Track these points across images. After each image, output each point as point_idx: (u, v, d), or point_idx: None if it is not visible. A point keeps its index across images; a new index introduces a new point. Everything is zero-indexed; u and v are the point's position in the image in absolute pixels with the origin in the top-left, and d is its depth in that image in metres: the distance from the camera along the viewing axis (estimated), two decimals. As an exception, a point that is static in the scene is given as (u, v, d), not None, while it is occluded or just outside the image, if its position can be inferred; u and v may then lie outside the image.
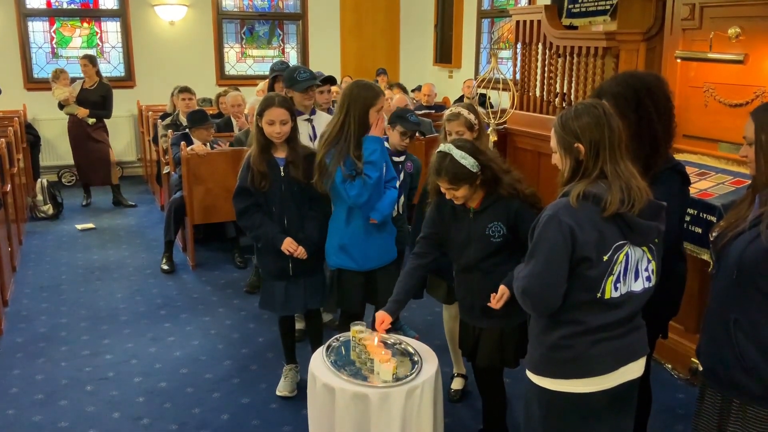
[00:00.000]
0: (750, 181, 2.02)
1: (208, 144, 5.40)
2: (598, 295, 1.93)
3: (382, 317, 2.73)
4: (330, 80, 4.37)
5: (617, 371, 2.00)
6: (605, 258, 1.91)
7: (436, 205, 2.76)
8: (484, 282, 2.61)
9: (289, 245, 3.19)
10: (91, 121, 7.09)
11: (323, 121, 4.01)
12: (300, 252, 3.21)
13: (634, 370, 2.06)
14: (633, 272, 1.97)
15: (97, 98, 7.08)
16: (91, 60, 7.07)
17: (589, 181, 1.94)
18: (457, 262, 2.76)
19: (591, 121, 1.95)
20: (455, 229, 2.70)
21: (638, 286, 1.98)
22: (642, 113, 2.34)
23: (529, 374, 2.09)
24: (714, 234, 1.98)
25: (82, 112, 7.04)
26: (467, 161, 2.51)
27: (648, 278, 2.01)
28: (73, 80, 7.32)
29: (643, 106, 2.35)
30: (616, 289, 1.94)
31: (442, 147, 2.60)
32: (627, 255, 1.94)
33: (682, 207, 2.51)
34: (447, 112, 3.20)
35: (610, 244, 1.92)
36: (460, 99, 7.95)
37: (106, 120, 7.31)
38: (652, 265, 2.02)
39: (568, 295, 1.94)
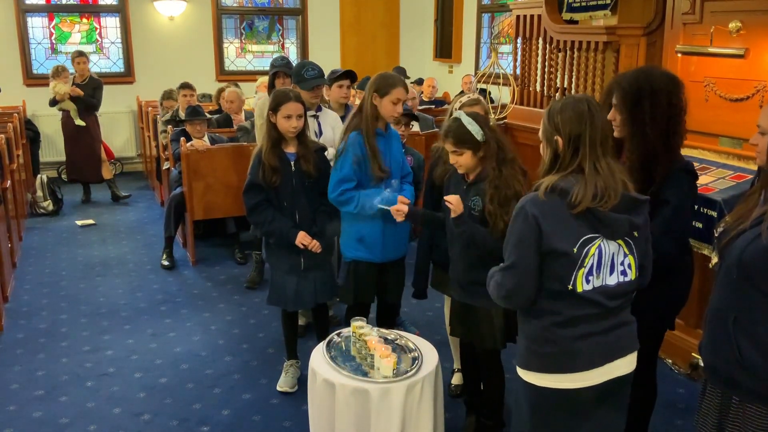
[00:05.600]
0: (751, 176, 2.00)
1: (207, 138, 5.38)
2: (570, 287, 1.93)
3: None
4: (348, 75, 4.21)
5: (603, 367, 2.00)
6: (574, 250, 1.92)
7: (454, 170, 2.82)
8: (464, 255, 2.70)
9: (303, 239, 3.22)
10: (78, 122, 7.06)
11: (329, 118, 3.99)
12: (315, 245, 3.23)
13: (622, 366, 2.05)
14: (608, 266, 1.97)
15: (89, 92, 7.08)
16: (87, 57, 7.13)
17: (563, 174, 1.95)
18: (448, 232, 2.83)
19: (573, 115, 1.96)
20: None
21: (612, 279, 1.98)
22: (636, 114, 2.34)
23: (518, 369, 2.11)
24: (719, 230, 1.97)
25: (73, 109, 7.04)
26: (473, 128, 2.58)
27: (623, 272, 2.00)
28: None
29: (639, 107, 2.33)
30: (588, 282, 1.94)
31: (455, 114, 2.70)
32: (600, 248, 1.95)
33: (693, 204, 2.52)
34: (464, 98, 3.24)
35: (578, 236, 1.93)
36: (461, 94, 7.93)
37: (102, 115, 7.30)
38: (630, 260, 2.01)
39: (543, 284, 1.97)
